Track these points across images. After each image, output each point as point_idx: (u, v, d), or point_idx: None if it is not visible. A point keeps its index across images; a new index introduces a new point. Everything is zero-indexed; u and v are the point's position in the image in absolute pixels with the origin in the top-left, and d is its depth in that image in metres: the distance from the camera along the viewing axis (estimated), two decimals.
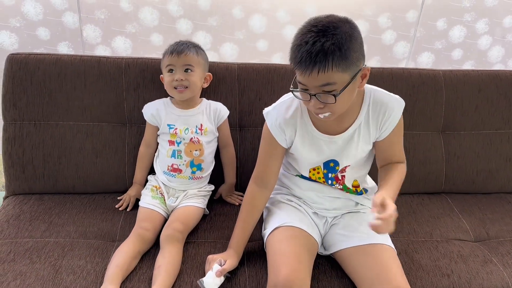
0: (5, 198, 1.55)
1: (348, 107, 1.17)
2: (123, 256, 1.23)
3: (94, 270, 1.22)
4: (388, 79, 1.65)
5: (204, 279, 1.17)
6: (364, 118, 1.22)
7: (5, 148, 1.51)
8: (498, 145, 1.73)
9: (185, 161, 1.44)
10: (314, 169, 1.30)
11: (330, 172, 1.29)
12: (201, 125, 1.46)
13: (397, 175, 1.27)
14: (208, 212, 1.49)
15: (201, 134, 1.46)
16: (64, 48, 1.66)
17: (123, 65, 1.54)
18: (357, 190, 1.35)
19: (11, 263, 1.22)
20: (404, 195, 1.68)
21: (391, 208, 1.04)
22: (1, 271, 1.19)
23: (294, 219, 1.28)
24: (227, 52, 1.69)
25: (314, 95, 1.07)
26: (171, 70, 1.41)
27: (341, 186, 1.32)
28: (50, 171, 1.52)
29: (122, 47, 1.67)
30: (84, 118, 1.53)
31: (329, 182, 1.30)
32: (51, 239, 1.33)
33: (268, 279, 1.16)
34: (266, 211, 1.39)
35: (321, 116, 1.13)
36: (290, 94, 1.25)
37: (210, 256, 1.25)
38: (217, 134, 1.51)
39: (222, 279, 1.19)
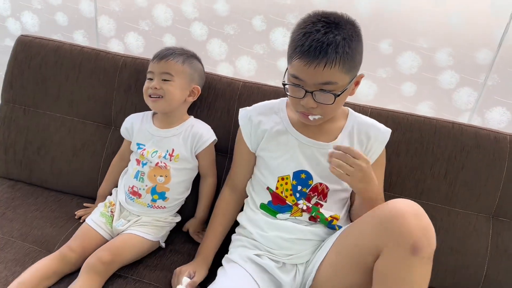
0: None
1: (332, 119, 1.13)
2: (32, 273, 1.08)
3: (6, 280, 1.09)
4: (428, 131, 1.26)
5: None
6: (348, 137, 1.13)
7: None
8: None
9: (146, 185, 1.24)
10: (282, 179, 1.13)
11: (299, 184, 1.12)
12: (173, 150, 1.26)
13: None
14: (164, 246, 1.28)
15: (170, 160, 1.25)
16: (79, 37, 1.59)
17: (120, 63, 1.41)
18: (332, 223, 1.11)
19: None
20: None
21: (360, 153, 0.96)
22: None
23: None
24: (243, 67, 1.45)
25: (311, 92, 0.99)
26: (150, 78, 1.24)
27: (310, 211, 1.11)
28: (28, 159, 1.45)
29: (134, 44, 1.55)
30: (70, 112, 1.44)
31: (297, 196, 1.12)
32: None
33: None
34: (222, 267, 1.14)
35: (310, 118, 1.05)
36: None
37: (177, 269, 1.15)
38: (194, 162, 1.29)
39: None
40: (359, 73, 1.05)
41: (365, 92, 1.44)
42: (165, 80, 1.23)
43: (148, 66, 1.26)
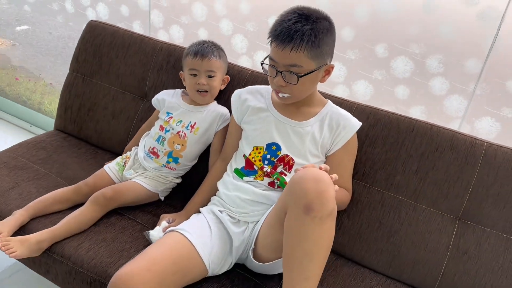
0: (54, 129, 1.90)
1: (309, 104, 1.30)
2: (50, 196, 1.39)
3: (33, 198, 1.40)
4: (406, 129, 1.34)
5: (150, 231, 1.30)
6: (320, 121, 1.29)
7: (63, 91, 1.86)
8: None
9: (165, 149, 1.48)
10: (257, 148, 1.31)
11: (269, 153, 1.29)
12: (195, 123, 1.48)
13: (340, 191, 1.24)
14: (162, 199, 1.51)
15: (190, 132, 1.48)
16: (137, 27, 1.92)
17: (157, 48, 1.69)
18: None
19: None
20: (377, 275, 1.34)
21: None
22: None
23: (195, 236, 1.20)
24: (359, 90, 1.61)
25: (281, 72, 1.17)
26: (194, 74, 1.46)
27: (273, 173, 1.27)
28: (80, 119, 1.80)
29: (176, 35, 1.84)
30: (115, 84, 1.75)
31: (265, 163, 1.29)
32: (36, 166, 1.59)
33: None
34: None
35: (280, 95, 1.23)
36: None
37: (163, 215, 1.39)
38: (210, 138, 1.50)
39: None
40: (330, 63, 1.21)
41: (362, 92, 1.55)
42: (210, 76, 1.45)
43: (188, 62, 1.45)
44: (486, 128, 1.39)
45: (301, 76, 1.16)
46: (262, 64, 1.23)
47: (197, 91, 1.46)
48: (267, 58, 1.21)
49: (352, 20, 1.46)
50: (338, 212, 1.38)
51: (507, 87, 1.31)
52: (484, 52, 1.30)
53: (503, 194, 1.24)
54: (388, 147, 1.36)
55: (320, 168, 1.06)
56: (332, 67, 1.23)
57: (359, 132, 1.37)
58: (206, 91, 1.46)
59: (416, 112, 1.48)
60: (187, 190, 1.52)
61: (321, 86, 1.45)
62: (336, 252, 1.41)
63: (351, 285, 1.29)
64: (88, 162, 1.67)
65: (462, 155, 1.29)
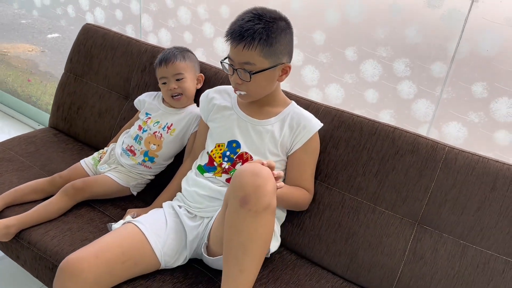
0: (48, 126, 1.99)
1: (272, 104, 1.33)
2: (26, 186, 1.46)
3: (12, 187, 1.47)
4: (368, 132, 1.34)
5: (114, 224, 1.31)
6: (281, 121, 1.31)
7: (57, 90, 1.95)
8: (496, 275, 1.16)
9: (141, 148, 1.53)
10: (219, 145, 1.34)
11: (229, 150, 1.32)
12: (171, 124, 1.53)
13: (298, 190, 1.31)
14: (135, 194, 1.56)
15: (167, 132, 1.53)
16: (129, 30, 2.00)
17: (142, 49, 1.76)
18: None
19: None
20: (334, 277, 1.33)
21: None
22: None
23: (149, 228, 1.23)
24: (331, 94, 1.59)
25: (236, 70, 1.21)
26: (164, 82, 1.51)
27: (230, 170, 1.30)
28: (70, 116, 1.88)
29: (164, 39, 1.90)
30: (103, 83, 1.83)
31: (225, 160, 1.32)
32: (22, 158, 1.67)
33: None
34: None
35: (237, 93, 1.27)
36: None
37: (129, 209, 1.43)
38: (185, 140, 1.54)
39: None
40: (287, 63, 1.24)
41: (334, 95, 1.55)
42: (178, 79, 1.50)
43: (157, 73, 1.51)
44: (453, 134, 1.36)
45: (254, 74, 1.19)
46: (221, 62, 1.26)
47: (172, 96, 1.51)
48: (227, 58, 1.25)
49: (323, 23, 1.47)
50: (300, 212, 1.39)
51: (473, 91, 1.29)
52: (449, 55, 1.29)
53: (461, 199, 1.22)
54: (350, 149, 1.36)
55: (263, 164, 1.07)
56: (289, 67, 1.26)
57: (323, 134, 1.38)
58: (180, 94, 1.50)
59: (386, 116, 1.47)
60: (162, 187, 1.56)
61: (294, 89, 1.47)
62: (297, 253, 1.41)
63: (306, 285, 1.28)
64: (72, 157, 1.74)
65: (422, 159, 1.27)
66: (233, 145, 1.32)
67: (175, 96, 1.50)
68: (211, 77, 1.61)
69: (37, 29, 3.36)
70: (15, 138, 1.82)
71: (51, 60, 3.39)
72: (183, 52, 1.53)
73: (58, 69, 3.25)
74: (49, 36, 3.40)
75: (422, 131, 1.42)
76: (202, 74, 1.57)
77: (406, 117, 1.43)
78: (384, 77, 1.42)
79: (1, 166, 1.61)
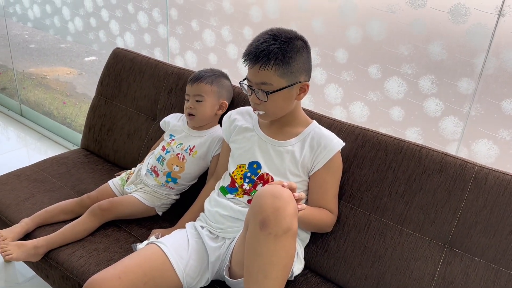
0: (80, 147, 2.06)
1: (292, 124, 1.32)
2: (56, 207, 1.51)
3: (43, 207, 1.53)
4: (393, 151, 1.30)
5: (138, 244, 1.33)
6: (301, 141, 1.30)
7: (89, 112, 2.02)
8: None
9: (164, 169, 1.55)
10: (240, 166, 1.34)
11: (250, 171, 1.32)
12: (194, 146, 1.54)
13: (320, 211, 1.28)
14: (160, 214, 1.58)
15: (189, 154, 1.54)
16: (157, 53, 2.05)
17: (169, 72, 1.80)
18: None
19: (15, 179, 1.69)
20: None
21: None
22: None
23: (172, 248, 1.24)
24: (355, 112, 1.57)
25: (254, 90, 1.22)
26: (187, 99, 1.54)
27: (251, 191, 1.29)
28: (100, 138, 1.94)
29: (190, 61, 1.93)
30: (131, 105, 1.88)
31: (246, 181, 1.31)
32: (53, 179, 1.73)
33: None
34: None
35: (256, 112, 1.28)
36: None
37: (154, 230, 1.44)
38: (207, 162, 1.55)
39: None
40: (304, 81, 1.24)
41: (359, 114, 1.53)
42: (198, 101, 1.52)
43: (186, 88, 1.56)
44: (483, 152, 1.30)
45: (271, 93, 1.20)
46: (240, 83, 1.27)
47: (188, 114, 1.53)
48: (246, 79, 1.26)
49: (345, 41, 1.46)
50: (324, 233, 1.36)
51: (503, 108, 1.24)
52: (476, 71, 1.25)
53: (493, 220, 1.16)
54: (375, 169, 1.33)
55: (283, 185, 1.06)
56: (307, 85, 1.25)
57: (347, 153, 1.36)
58: (193, 115, 1.52)
59: (413, 134, 1.43)
60: (187, 207, 1.57)
61: (318, 107, 1.44)
62: (322, 275, 1.38)
63: None
64: (101, 177, 1.79)
65: (450, 179, 1.22)
66: (254, 166, 1.32)
67: (189, 114, 1.53)
68: (234, 97, 1.62)
69: (75, 53, 3.50)
70: (48, 159, 1.89)
71: (88, 82, 3.52)
72: (214, 76, 1.53)
73: (93, 91, 3.37)
74: (86, 59, 3.53)
75: (451, 149, 1.37)
76: (226, 101, 1.56)
77: (433, 135, 1.38)
78: (409, 95, 1.39)
79: (33, 187, 1.67)
